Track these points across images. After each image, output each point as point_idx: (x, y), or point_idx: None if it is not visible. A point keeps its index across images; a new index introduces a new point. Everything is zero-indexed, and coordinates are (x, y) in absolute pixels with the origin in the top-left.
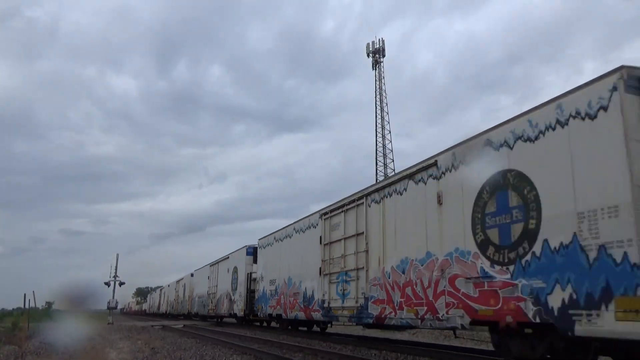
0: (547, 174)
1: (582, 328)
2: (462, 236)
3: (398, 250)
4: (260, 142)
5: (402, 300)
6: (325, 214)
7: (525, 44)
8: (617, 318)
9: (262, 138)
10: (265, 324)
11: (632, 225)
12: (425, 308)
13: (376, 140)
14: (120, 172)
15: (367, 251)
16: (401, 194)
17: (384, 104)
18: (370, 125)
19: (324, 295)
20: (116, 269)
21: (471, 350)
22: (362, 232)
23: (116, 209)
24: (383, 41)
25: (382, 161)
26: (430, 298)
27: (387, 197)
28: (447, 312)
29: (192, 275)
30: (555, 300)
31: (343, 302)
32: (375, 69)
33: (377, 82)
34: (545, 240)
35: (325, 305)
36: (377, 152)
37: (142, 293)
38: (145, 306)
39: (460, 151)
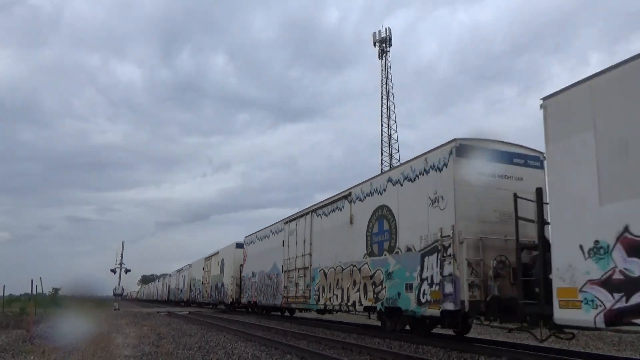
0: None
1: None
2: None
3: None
4: (264, 131)
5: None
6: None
7: (531, 34)
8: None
9: (265, 128)
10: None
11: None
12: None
13: (381, 130)
14: (125, 160)
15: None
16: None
17: (390, 94)
18: (374, 116)
19: (284, 287)
20: (122, 257)
21: (476, 340)
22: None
23: (121, 197)
24: (390, 30)
25: (388, 151)
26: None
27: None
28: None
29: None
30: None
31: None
32: (382, 59)
33: (383, 72)
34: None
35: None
36: (383, 142)
37: (147, 280)
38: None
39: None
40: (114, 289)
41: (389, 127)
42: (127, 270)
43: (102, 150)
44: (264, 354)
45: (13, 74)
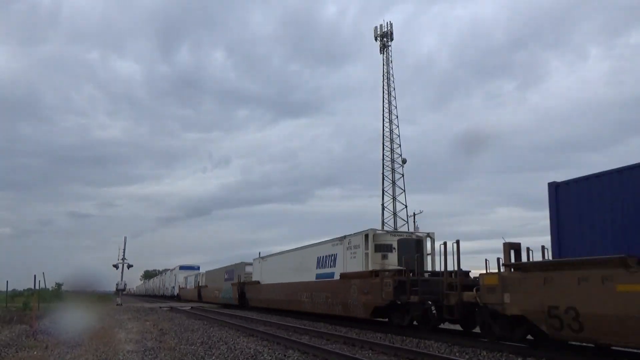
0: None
1: None
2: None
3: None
4: (263, 126)
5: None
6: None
7: (530, 28)
8: None
9: (265, 123)
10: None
11: None
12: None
13: (383, 125)
14: (125, 155)
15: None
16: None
17: (392, 89)
18: (373, 110)
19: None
20: (124, 252)
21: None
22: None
23: (122, 192)
24: (391, 24)
25: (389, 146)
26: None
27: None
28: None
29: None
30: None
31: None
32: (383, 53)
33: (385, 67)
34: None
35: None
36: (384, 137)
37: (149, 275)
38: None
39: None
40: (117, 284)
41: (390, 121)
42: (129, 266)
43: (103, 145)
44: (266, 349)
45: (13, 69)
